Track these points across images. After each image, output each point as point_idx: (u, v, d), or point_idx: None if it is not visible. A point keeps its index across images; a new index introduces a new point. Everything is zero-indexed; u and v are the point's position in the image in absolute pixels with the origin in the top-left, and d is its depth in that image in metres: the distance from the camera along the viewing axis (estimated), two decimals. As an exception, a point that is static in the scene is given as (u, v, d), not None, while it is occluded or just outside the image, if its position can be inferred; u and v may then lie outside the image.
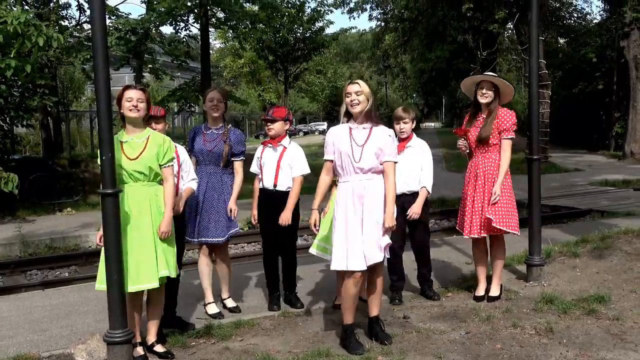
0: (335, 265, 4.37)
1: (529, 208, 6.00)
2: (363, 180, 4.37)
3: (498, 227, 5.19)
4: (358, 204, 4.34)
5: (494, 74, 5.70)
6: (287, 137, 5.46)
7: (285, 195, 5.29)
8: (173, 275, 4.37)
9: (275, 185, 5.33)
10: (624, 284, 5.64)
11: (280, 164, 5.31)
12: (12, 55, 10.35)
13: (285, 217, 5.21)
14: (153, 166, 4.27)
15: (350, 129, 4.46)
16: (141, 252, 4.20)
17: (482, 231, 5.31)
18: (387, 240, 4.38)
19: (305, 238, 9.92)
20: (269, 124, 5.36)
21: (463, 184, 5.58)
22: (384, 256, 4.39)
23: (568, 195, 13.41)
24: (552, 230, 8.64)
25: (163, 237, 4.28)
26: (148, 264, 4.20)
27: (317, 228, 4.64)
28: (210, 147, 5.24)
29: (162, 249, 4.29)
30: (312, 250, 5.41)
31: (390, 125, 4.90)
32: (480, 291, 5.49)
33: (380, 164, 4.39)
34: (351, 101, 4.39)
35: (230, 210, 5.26)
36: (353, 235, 4.31)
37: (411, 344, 4.45)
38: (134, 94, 4.24)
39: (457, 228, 5.68)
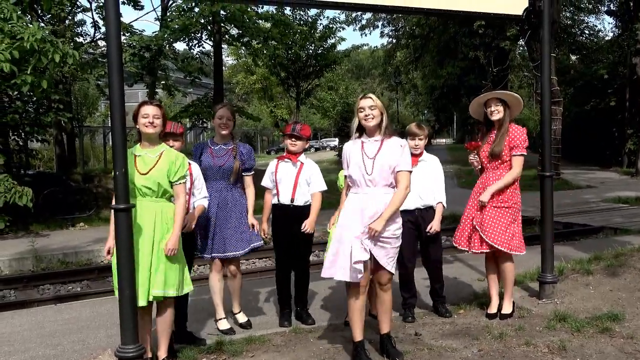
0: (325, 273, 4.40)
1: (542, 225, 5.98)
2: (378, 195, 4.33)
3: (495, 245, 5.17)
4: (361, 215, 4.31)
5: (496, 91, 5.70)
6: (303, 153, 5.50)
7: (301, 209, 5.34)
8: (172, 294, 4.26)
9: (292, 200, 5.35)
10: (638, 302, 5.58)
11: (298, 180, 5.35)
12: (28, 72, 10.51)
13: (310, 223, 5.29)
14: (162, 183, 4.26)
15: (362, 142, 4.47)
16: (136, 270, 4.12)
17: (483, 246, 5.27)
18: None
19: (316, 254, 9.92)
20: (293, 139, 5.36)
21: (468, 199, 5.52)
22: (392, 270, 4.38)
23: (581, 212, 13.32)
24: (565, 248, 8.58)
25: (170, 254, 4.19)
26: (140, 283, 4.14)
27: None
28: (220, 162, 5.25)
29: (163, 267, 4.21)
30: None
31: None
32: (493, 308, 5.44)
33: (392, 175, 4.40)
34: (365, 116, 4.38)
35: (253, 226, 5.33)
36: (345, 246, 4.28)
37: (423, 361, 4.42)
38: (150, 110, 4.28)
39: (454, 243, 5.60)
